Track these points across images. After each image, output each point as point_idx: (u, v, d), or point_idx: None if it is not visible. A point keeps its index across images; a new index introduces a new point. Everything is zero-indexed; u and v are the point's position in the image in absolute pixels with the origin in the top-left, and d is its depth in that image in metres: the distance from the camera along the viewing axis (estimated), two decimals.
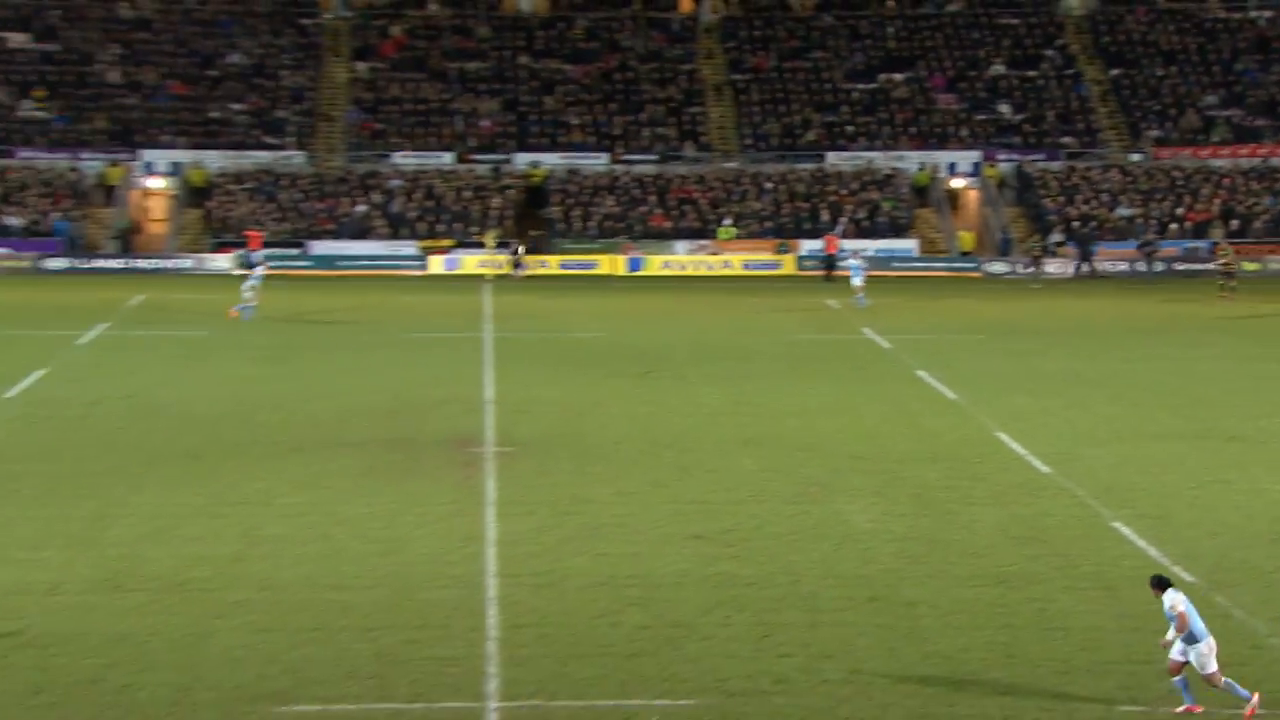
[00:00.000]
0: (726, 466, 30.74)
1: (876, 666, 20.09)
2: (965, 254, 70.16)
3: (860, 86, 77.24)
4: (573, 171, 72.84)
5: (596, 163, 73.60)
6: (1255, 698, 18.35)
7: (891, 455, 31.67)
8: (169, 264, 66.18)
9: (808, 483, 29.09)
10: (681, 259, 67.73)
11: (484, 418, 35.40)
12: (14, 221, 67.44)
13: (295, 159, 72.75)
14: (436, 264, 66.98)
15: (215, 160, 71.79)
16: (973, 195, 73.95)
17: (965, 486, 28.97)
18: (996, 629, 21.46)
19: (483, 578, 23.55)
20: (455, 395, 37.88)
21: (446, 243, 68.17)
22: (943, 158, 73.73)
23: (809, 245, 67.98)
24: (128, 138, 72.37)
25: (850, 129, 75.47)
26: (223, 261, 65.90)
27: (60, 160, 70.82)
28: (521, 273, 64.66)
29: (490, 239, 67.37)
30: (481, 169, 72.84)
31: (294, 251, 67.34)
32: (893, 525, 26.49)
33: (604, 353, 44.57)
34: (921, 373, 41.12)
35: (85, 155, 71.20)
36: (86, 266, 65.33)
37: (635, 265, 67.38)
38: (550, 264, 67.02)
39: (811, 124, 75.64)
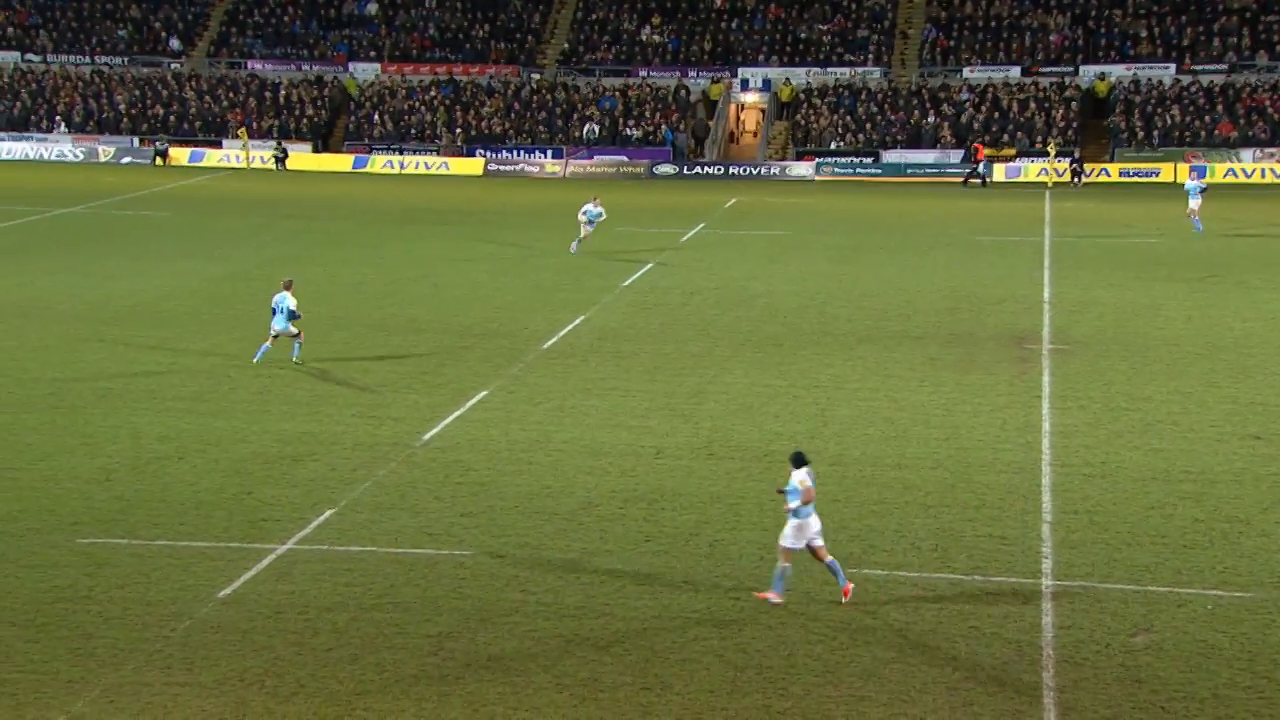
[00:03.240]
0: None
1: None
2: None
3: None
4: (1138, 82, 68.79)
5: (1164, 73, 69.13)
6: (850, 585, 17.66)
7: None
8: (758, 170, 67.92)
9: None
10: (1248, 166, 62.75)
11: (1041, 317, 34.36)
12: (633, 132, 71.13)
13: (873, 74, 72.63)
14: (999, 172, 65.26)
15: (801, 77, 72.79)
16: None
17: None
18: None
19: (1037, 465, 22.98)
20: (1013, 295, 36.94)
21: (1009, 152, 66.24)
22: None
23: None
24: (728, 58, 74.57)
25: None
26: (803, 168, 67.00)
27: (671, 78, 73.91)
28: (1079, 182, 61.98)
29: (1052, 148, 64.87)
30: (1046, 81, 70.07)
31: (868, 160, 67.50)
32: None
33: (1163, 257, 42.12)
34: None
35: (692, 74, 73.98)
36: (690, 173, 68.07)
37: (1200, 173, 63.00)
38: (1110, 172, 63.79)
39: None
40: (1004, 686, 15.56)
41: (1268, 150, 63.22)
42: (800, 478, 17.58)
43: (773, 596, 17.70)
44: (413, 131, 72.32)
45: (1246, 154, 63.65)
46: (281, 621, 17.26)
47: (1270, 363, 29.09)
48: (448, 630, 17.07)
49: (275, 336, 29.54)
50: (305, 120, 73.43)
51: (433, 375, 28.99)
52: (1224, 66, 68.62)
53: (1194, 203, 45.43)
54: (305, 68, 76.88)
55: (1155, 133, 65.95)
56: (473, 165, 69.74)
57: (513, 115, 72.36)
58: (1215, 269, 39.90)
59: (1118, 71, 69.68)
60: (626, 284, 39.17)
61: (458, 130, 71.66)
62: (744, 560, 19.22)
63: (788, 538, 17.63)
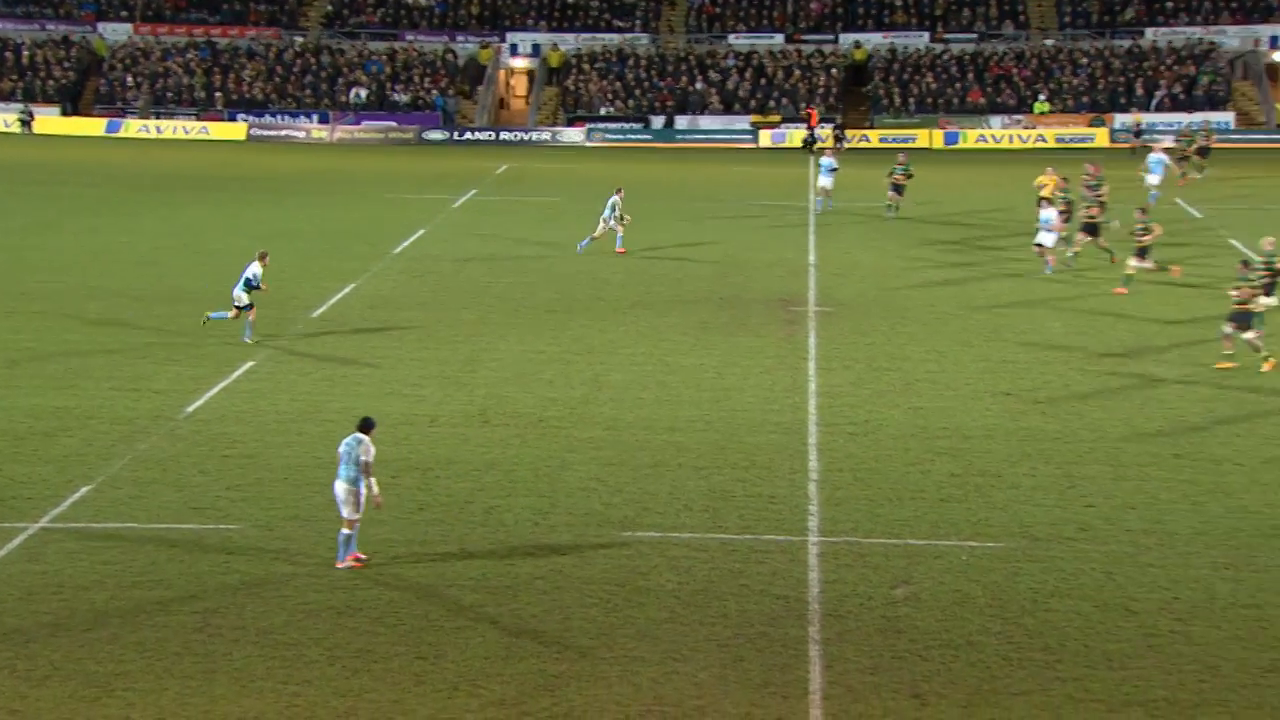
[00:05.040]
0: (1035, 329, 29.81)
1: (1179, 519, 19.32)
2: None
3: None
4: (894, 50, 70.93)
5: (918, 41, 71.43)
6: (350, 563, 17.56)
7: (1200, 319, 30.10)
8: (529, 136, 67.73)
9: (1123, 352, 27.94)
10: (997, 133, 65.38)
11: (807, 280, 35.21)
12: (400, 98, 70.07)
13: (641, 41, 73.09)
14: (766, 138, 66.54)
15: (570, 42, 72.76)
16: None
17: (1273, 348, 27.30)
18: None
19: (804, 425, 23.58)
20: (780, 259, 37.76)
21: (775, 118, 67.58)
22: (1264, 31, 68.59)
23: (1123, 119, 64.62)
24: (497, 22, 74.01)
25: (1170, 4, 70.91)
26: (574, 134, 67.12)
27: (439, 43, 72.99)
28: (843, 145, 63.67)
29: (816, 115, 66.41)
30: (809, 49, 71.66)
31: (637, 125, 67.98)
32: (1199, 386, 25.24)
33: (920, 222, 43.58)
34: (1234, 241, 38.79)
35: (460, 38, 73.21)
36: (460, 138, 67.46)
37: (951, 139, 65.42)
38: (870, 138, 65.68)
39: (1131, 0, 71.38)
40: (772, 642, 15.95)
41: (1014, 118, 65.89)
42: (367, 443, 17.45)
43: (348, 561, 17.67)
44: (169, 95, 69.82)
45: (995, 120, 66.25)
46: (34, 603, 16.57)
47: (1018, 322, 30.42)
48: (214, 606, 16.64)
49: (238, 310, 28.23)
50: (52, 83, 70.15)
51: (196, 346, 28.13)
52: (974, 36, 71.25)
53: (824, 180, 44.75)
54: (50, 27, 73.37)
55: (911, 100, 68.12)
56: (235, 130, 67.76)
57: (275, 79, 70.49)
58: (970, 231, 41.44)
59: (875, 39, 71.69)
60: (397, 251, 38.65)
61: (216, 94, 69.44)
62: (519, 527, 19.23)
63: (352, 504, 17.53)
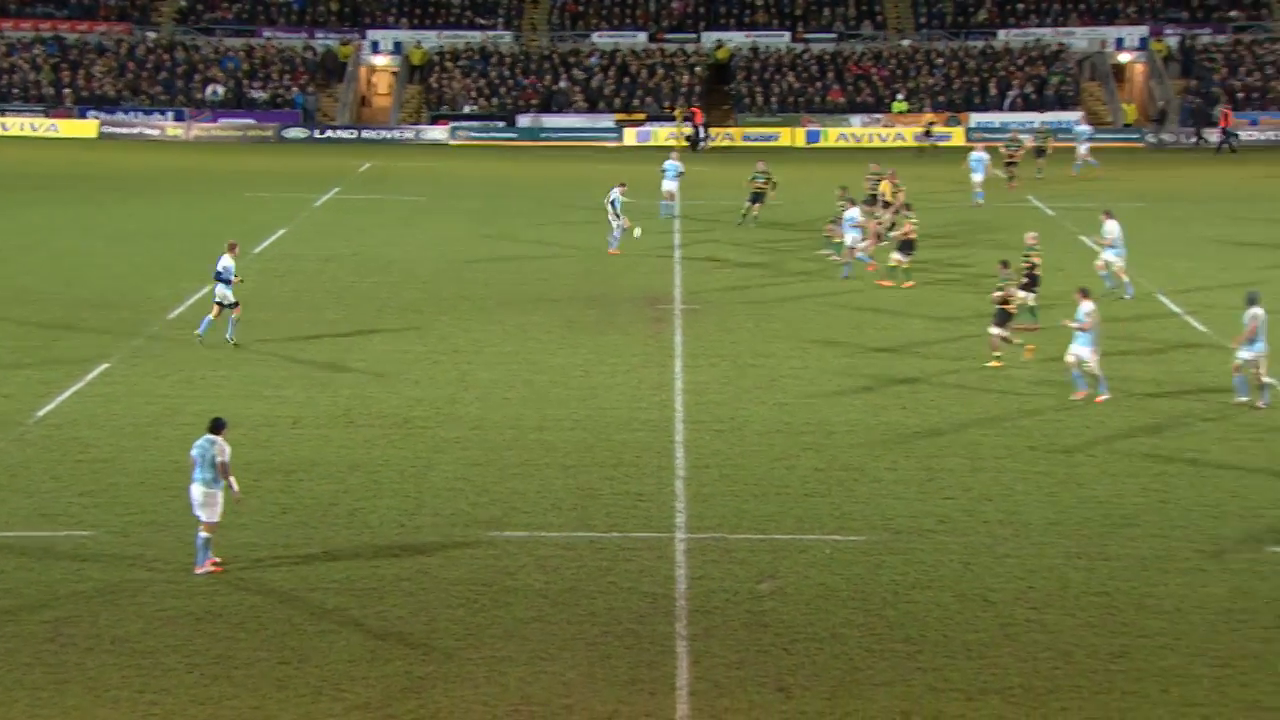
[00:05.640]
0: (898, 325, 30.33)
1: (1034, 509, 19.82)
2: (1129, 125, 67.45)
3: None
4: (756, 49, 71.66)
5: (778, 41, 72.25)
6: (209, 568, 17.38)
7: (1057, 315, 30.88)
8: (392, 134, 67.07)
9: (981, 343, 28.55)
10: (857, 131, 66.40)
11: (673, 277, 35.39)
12: (258, 95, 68.89)
13: (504, 38, 72.81)
14: (631, 136, 66.74)
15: (432, 40, 72.21)
16: (1139, 69, 70.84)
17: (1124, 344, 28.15)
18: (1151, 476, 20.97)
19: (671, 423, 23.71)
20: (646, 257, 37.89)
21: (640, 116, 67.81)
22: (1110, 33, 70.62)
23: (978, 118, 66.06)
24: (356, 19, 73.14)
25: (1021, 6, 72.68)
26: (438, 132, 66.66)
27: (298, 39, 71.91)
28: (706, 144, 64.13)
29: (680, 113, 66.79)
30: (672, 47, 72.05)
31: (501, 124, 67.74)
32: (1053, 380, 25.91)
33: (783, 219, 44.05)
34: (1083, 238, 39.87)
35: (320, 35, 72.20)
36: (321, 136, 66.53)
37: (813, 137, 66.29)
38: (734, 136, 66.25)
39: (984, 2, 73.00)
40: (640, 639, 16.01)
41: (874, 116, 66.96)
42: (223, 444, 17.26)
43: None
44: (15, 91, 67.76)
45: (856, 119, 67.27)
46: None
47: (881, 318, 30.92)
48: (66, 615, 16.21)
49: (220, 307, 27.44)
50: None
51: (46, 349, 27.36)
52: (833, 36, 72.26)
53: (669, 185, 43.32)
54: None
55: (774, 99, 68.87)
56: (86, 128, 66.01)
57: (127, 75, 68.82)
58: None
59: (737, 39, 72.34)
60: (257, 251, 38.00)
61: (65, 90, 67.57)
62: (384, 528, 19.04)
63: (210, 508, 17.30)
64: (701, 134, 64.26)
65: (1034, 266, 29.27)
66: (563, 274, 35.69)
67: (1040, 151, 52.95)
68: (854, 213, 35.31)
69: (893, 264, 34.03)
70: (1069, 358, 24.75)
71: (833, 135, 66.39)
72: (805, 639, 16.04)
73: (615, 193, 38.26)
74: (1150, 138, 65.34)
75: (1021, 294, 28.25)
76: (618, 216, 37.76)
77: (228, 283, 27.74)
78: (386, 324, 30.08)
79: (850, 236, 34.96)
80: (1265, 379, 24.12)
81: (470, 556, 18.11)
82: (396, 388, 25.47)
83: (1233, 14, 70.99)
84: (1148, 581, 17.45)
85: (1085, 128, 53.80)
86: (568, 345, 28.57)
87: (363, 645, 15.76)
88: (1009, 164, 49.69)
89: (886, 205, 36.87)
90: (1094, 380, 24.61)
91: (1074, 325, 24.62)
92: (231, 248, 28.33)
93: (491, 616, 16.50)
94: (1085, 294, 24.84)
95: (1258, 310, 24.01)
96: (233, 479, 17.39)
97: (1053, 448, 22.40)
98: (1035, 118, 63.29)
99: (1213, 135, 63.72)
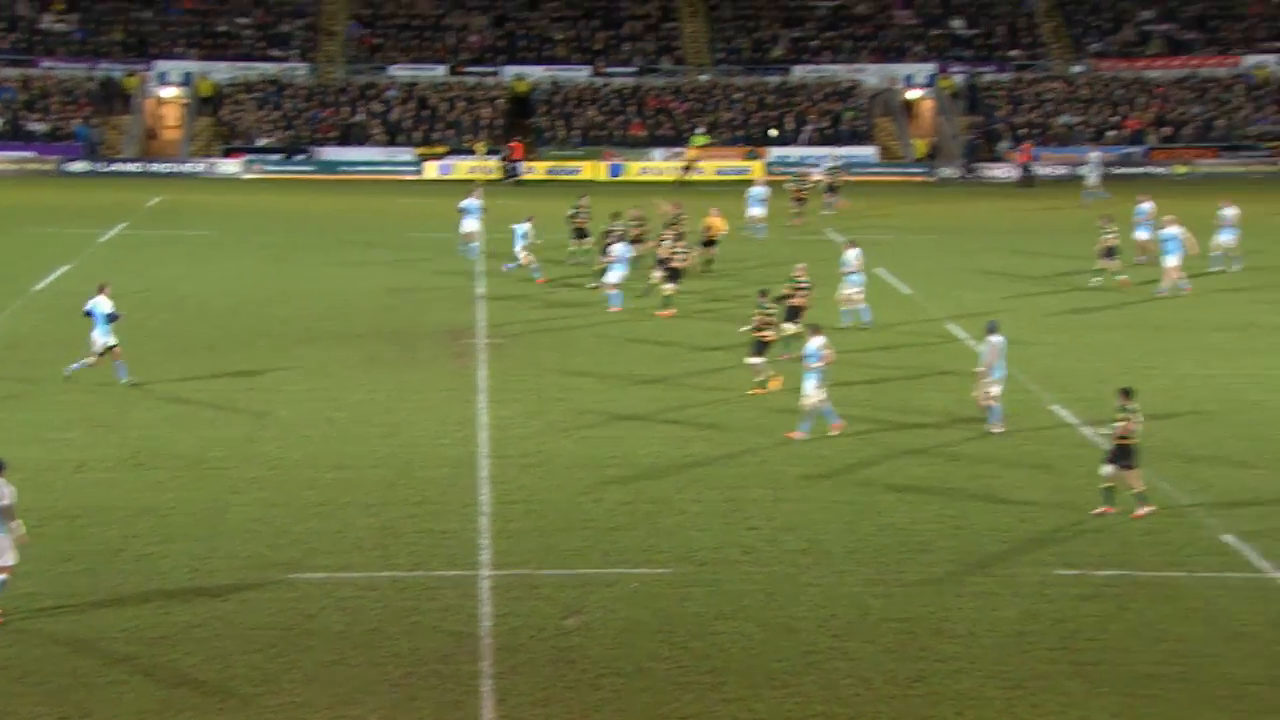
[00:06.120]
0: (700, 358, 30.71)
1: (834, 537, 20.24)
2: (920, 160, 69.79)
3: (824, 4, 76.34)
4: (556, 83, 72.10)
5: (579, 75, 72.84)
6: None
7: (852, 346, 31.66)
8: (183, 168, 65.44)
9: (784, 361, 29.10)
10: (659, 164, 67.24)
11: (476, 311, 35.27)
12: (37, 127, 66.53)
13: (299, 70, 71.78)
14: (431, 169, 66.41)
15: (223, 71, 70.77)
16: (927, 105, 73.40)
17: (917, 374, 29.02)
18: (945, 503, 21.61)
19: (476, 458, 23.58)
20: (448, 291, 37.69)
21: (440, 149, 67.54)
22: (900, 70, 73.05)
23: (777, 152, 67.56)
24: (143, 49, 71.28)
25: (815, 43, 74.70)
26: (231, 166, 65.35)
27: (79, 69, 69.73)
28: (516, 176, 64.25)
29: (481, 146, 66.75)
30: (472, 80, 72.03)
31: (299, 157, 66.73)
32: (850, 410, 26.53)
33: (595, 253, 44.25)
34: (880, 269, 41.03)
35: (103, 65, 70.12)
36: (106, 170, 64.55)
37: (616, 171, 66.92)
38: (537, 169, 66.46)
39: (779, 39, 74.84)
40: (444, 679, 15.85)
41: (675, 150, 67.90)
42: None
43: None
44: None
45: (657, 152, 68.14)
46: None
47: (683, 353, 31.26)
48: None
49: (99, 354, 26.18)
50: None
51: None
52: (633, 70, 73.17)
53: (469, 225, 41.69)
54: None
55: (575, 132, 69.36)
56: None
57: None
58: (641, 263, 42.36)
59: (537, 72, 72.69)
60: (39, 288, 36.65)
61: None
62: (175, 573, 18.49)
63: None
64: (517, 169, 64.33)
65: (792, 297, 29.96)
66: (363, 309, 35.25)
67: (832, 188, 53.49)
68: (621, 248, 35.66)
69: (667, 293, 34.64)
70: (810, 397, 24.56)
71: (635, 169, 67.10)
72: (611, 674, 16.08)
73: (524, 227, 38.39)
74: (941, 171, 67.66)
75: (787, 325, 28.93)
76: (526, 252, 38.01)
77: (106, 324, 26.73)
78: (179, 362, 29.28)
79: (616, 274, 35.16)
80: (994, 403, 24.94)
81: (268, 600, 17.70)
82: (190, 428, 24.79)
83: (1014, 53, 74.11)
84: (943, 606, 17.96)
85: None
86: (369, 382, 28.20)
87: (154, 695, 15.25)
88: (797, 199, 50.00)
89: (681, 237, 37.39)
90: (819, 414, 24.69)
91: (795, 358, 24.87)
92: (102, 289, 27.28)
93: (291, 661, 16.14)
94: (816, 330, 25.07)
95: (994, 338, 24.89)
96: (17, 522, 16.68)
97: (852, 477, 22.93)
98: (830, 152, 64.95)
99: (996, 170, 66.40)
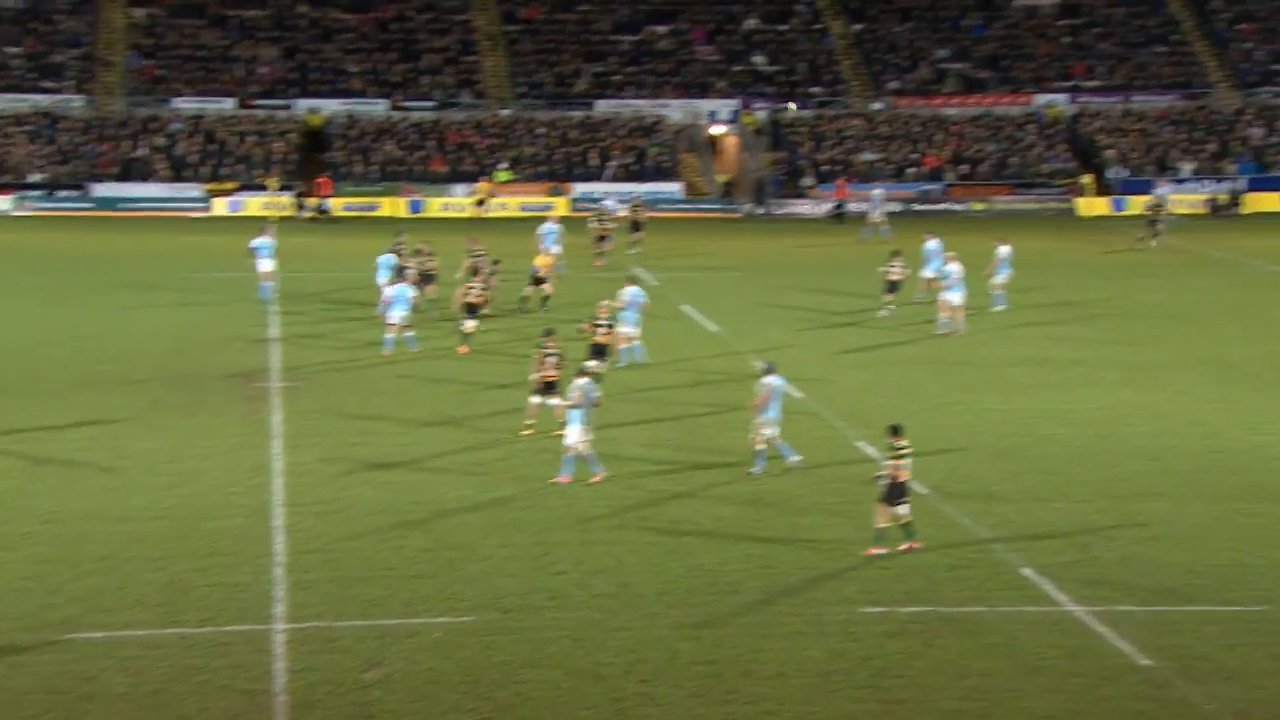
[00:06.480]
0: (504, 398, 30.63)
1: (644, 580, 20.38)
2: (731, 196, 70.98)
3: (627, 38, 77.36)
4: (352, 117, 71.47)
5: (376, 108, 72.34)
6: None
7: (659, 384, 32.01)
8: None
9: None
10: (461, 201, 67.10)
11: (269, 353, 34.64)
12: None
13: (75, 102, 69.73)
14: (221, 206, 65.09)
15: None
16: (731, 141, 74.84)
17: (725, 413, 29.43)
18: (753, 543, 21.94)
19: (269, 507, 23.13)
20: (240, 332, 36.96)
21: (230, 185, 66.27)
22: (704, 106, 74.36)
23: (581, 188, 68.06)
24: None
25: (618, 79, 75.57)
26: (2, 203, 63.09)
27: None
28: (304, 215, 63.40)
29: (274, 182, 65.72)
30: (262, 114, 70.91)
31: (75, 193, 64.75)
32: (659, 450, 26.80)
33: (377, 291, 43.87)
34: (686, 307, 41.60)
35: None
36: None
37: (416, 207, 66.55)
38: (332, 206, 65.66)
39: (581, 73, 75.50)
40: None
41: (477, 186, 67.74)
42: None
43: None
44: None
45: (459, 188, 68.00)
46: None
47: (499, 394, 31.11)
48: None
49: None
50: None
51: None
52: (433, 104, 73.00)
53: (265, 265, 41.09)
54: None
55: (374, 167, 68.82)
56: None
57: None
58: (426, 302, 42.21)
59: (333, 105, 71.99)
60: None
61: None
62: None
63: None
64: (325, 206, 63.55)
65: (595, 334, 30.38)
66: (147, 353, 34.34)
67: (636, 225, 52.93)
68: (398, 287, 35.16)
69: (467, 330, 34.65)
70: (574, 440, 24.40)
71: (436, 205, 66.85)
72: None
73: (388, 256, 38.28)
74: (745, 207, 68.95)
75: (592, 363, 29.12)
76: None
77: None
78: None
79: (398, 314, 34.79)
80: (760, 446, 25.09)
81: (42, 662, 17.06)
82: None
83: (815, 90, 76.12)
84: (752, 648, 18.21)
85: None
86: (154, 429, 27.46)
87: None
88: (600, 239, 49.15)
89: (476, 272, 37.35)
90: (584, 460, 24.60)
91: (566, 403, 24.83)
92: None
93: None
94: (582, 372, 25.28)
95: (769, 380, 25.15)
96: None
97: (660, 518, 23.12)
98: (635, 188, 65.59)
99: (801, 206, 68.09)
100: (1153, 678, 17.35)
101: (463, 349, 34.64)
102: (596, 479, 24.56)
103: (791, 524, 22.85)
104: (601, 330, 30.88)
